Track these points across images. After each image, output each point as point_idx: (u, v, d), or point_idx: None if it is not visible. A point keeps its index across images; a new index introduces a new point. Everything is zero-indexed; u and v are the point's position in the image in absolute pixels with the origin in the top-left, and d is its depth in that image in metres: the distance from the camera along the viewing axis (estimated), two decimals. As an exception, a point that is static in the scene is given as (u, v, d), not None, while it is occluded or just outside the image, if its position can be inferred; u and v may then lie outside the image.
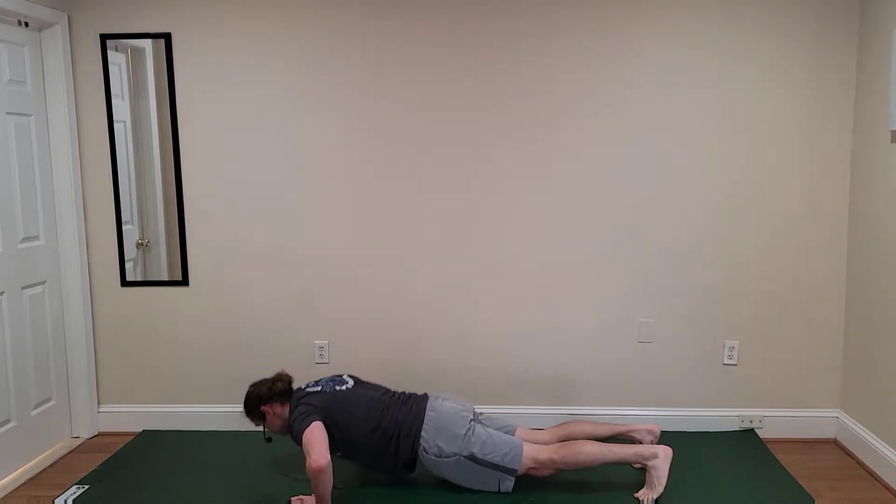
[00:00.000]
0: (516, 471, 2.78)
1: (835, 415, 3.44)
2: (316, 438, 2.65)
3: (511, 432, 2.91)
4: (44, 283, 3.33)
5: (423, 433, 2.78)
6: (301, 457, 2.74)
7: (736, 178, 3.34)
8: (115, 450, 3.36)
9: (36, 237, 3.28)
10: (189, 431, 3.54)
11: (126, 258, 3.51)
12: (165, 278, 3.52)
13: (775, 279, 3.39)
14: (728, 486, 2.95)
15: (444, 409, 2.83)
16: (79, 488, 2.98)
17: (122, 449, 3.37)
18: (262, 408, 2.87)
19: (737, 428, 3.48)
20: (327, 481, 2.63)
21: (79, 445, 3.46)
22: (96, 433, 3.58)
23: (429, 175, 3.40)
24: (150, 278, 3.53)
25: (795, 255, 3.37)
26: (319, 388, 2.87)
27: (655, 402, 3.50)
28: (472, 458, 2.76)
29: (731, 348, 3.45)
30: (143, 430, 3.56)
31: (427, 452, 2.78)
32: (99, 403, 3.60)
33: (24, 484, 3.07)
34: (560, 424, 3.08)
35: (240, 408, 3.55)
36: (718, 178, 3.35)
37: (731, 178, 3.34)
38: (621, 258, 3.41)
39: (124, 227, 3.49)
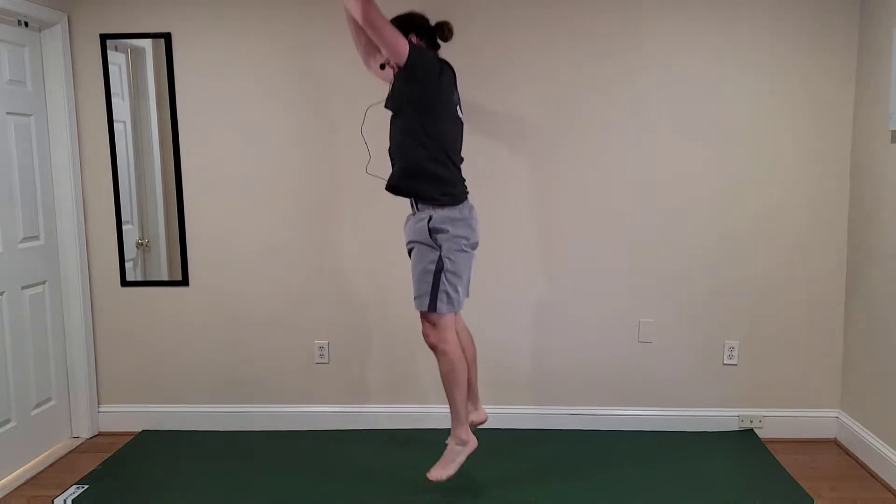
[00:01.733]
0: (435, 310, 2.66)
1: (835, 415, 3.44)
2: (394, 30, 2.47)
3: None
4: (44, 283, 3.33)
5: (447, 210, 2.63)
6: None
7: (736, 178, 3.34)
8: (115, 450, 3.35)
9: (36, 237, 3.28)
10: (189, 431, 3.54)
11: (126, 258, 3.51)
12: (165, 278, 3.52)
13: (775, 279, 3.39)
14: (728, 486, 2.95)
15: (474, 224, 2.73)
16: (78, 488, 2.98)
17: (122, 449, 3.37)
18: (411, 35, 2.63)
19: (737, 428, 3.48)
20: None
21: (79, 445, 3.46)
22: (96, 433, 3.58)
23: (429, 175, 3.40)
24: (150, 278, 3.53)
25: (795, 255, 3.37)
26: (455, 79, 2.75)
27: (655, 402, 3.50)
28: (437, 266, 2.63)
29: (731, 348, 3.44)
30: (143, 430, 3.56)
31: (427, 215, 2.63)
32: (99, 403, 3.60)
33: (24, 484, 3.07)
34: (464, 335, 2.93)
35: (240, 407, 3.56)
36: (718, 178, 3.34)
37: (732, 178, 3.34)
38: (621, 258, 3.41)
39: (124, 227, 3.49)
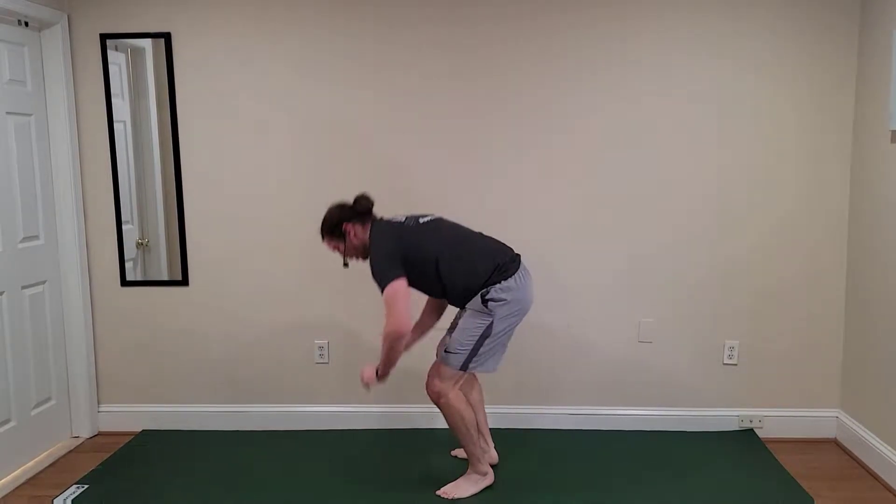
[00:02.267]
0: (465, 370, 2.71)
1: (835, 415, 3.44)
2: (400, 298, 2.57)
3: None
4: (44, 282, 3.33)
5: (503, 283, 2.67)
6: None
7: (736, 178, 3.34)
8: (115, 450, 3.35)
9: (36, 237, 3.28)
10: (189, 431, 3.54)
11: (126, 258, 3.51)
12: (165, 278, 3.52)
13: (775, 279, 3.39)
14: (728, 486, 2.95)
15: (531, 292, 2.78)
16: (78, 488, 2.98)
17: (122, 449, 3.37)
18: (344, 226, 2.76)
19: (736, 428, 3.48)
20: (401, 348, 2.62)
21: (79, 445, 3.46)
22: (96, 433, 3.58)
23: (429, 175, 3.40)
24: (150, 278, 3.53)
25: (795, 254, 3.37)
26: (404, 219, 2.79)
27: (655, 402, 3.50)
28: (485, 332, 2.67)
29: (731, 348, 3.45)
30: (143, 430, 3.56)
31: (487, 296, 2.66)
32: (99, 403, 3.60)
33: (24, 483, 3.07)
34: (471, 378, 3.01)
35: (240, 407, 3.57)
36: (719, 177, 3.34)
37: (732, 178, 3.34)
38: (621, 258, 3.41)
39: (124, 227, 3.49)
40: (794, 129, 3.30)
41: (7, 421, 3.11)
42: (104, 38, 3.36)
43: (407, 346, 2.86)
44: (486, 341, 2.68)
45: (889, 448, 3.00)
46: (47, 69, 3.30)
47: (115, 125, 3.42)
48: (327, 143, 3.40)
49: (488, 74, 3.32)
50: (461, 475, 2.89)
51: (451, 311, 3.00)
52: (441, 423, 3.44)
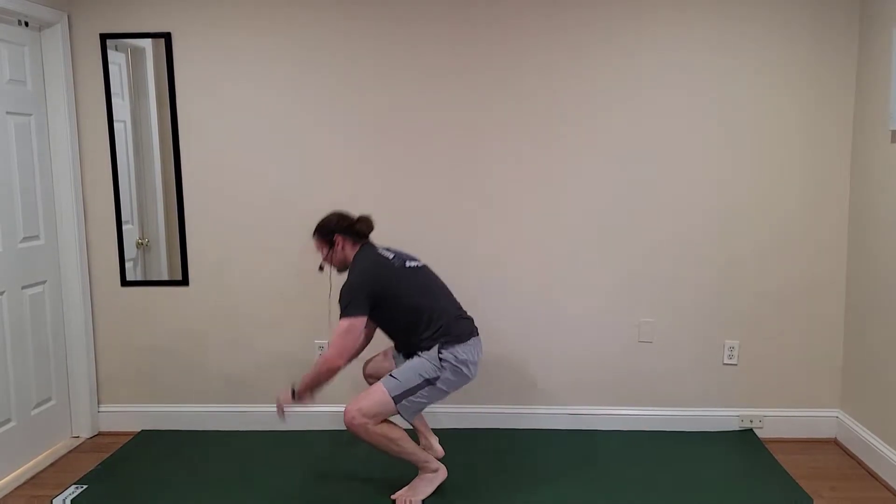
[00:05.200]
0: (394, 408, 2.68)
1: (835, 415, 3.44)
2: (350, 334, 2.62)
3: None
4: (44, 283, 3.33)
5: (458, 347, 2.72)
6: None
7: (736, 177, 3.34)
8: (114, 450, 3.35)
9: (36, 237, 3.28)
10: (189, 431, 3.54)
11: (126, 258, 3.51)
12: (165, 278, 3.52)
13: (775, 279, 3.39)
14: (727, 486, 2.95)
15: (479, 354, 2.82)
16: (77, 488, 2.98)
17: (121, 449, 3.37)
18: (336, 236, 2.81)
19: (737, 428, 3.48)
20: (326, 380, 2.69)
21: (79, 445, 3.46)
22: (96, 433, 3.58)
23: (428, 176, 3.40)
24: (150, 278, 3.53)
25: (795, 254, 3.37)
26: (392, 256, 2.81)
27: (655, 401, 3.50)
28: (429, 378, 2.68)
29: (731, 348, 3.45)
30: (143, 430, 3.56)
31: (442, 354, 2.70)
32: (99, 403, 3.60)
33: (24, 483, 3.06)
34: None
35: (240, 407, 3.57)
36: (719, 178, 3.35)
37: (732, 178, 3.34)
38: (621, 258, 3.41)
39: (124, 227, 3.49)
40: (794, 129, 3.30)
41: (7, 421, 3.11)
42: (104, 37, 3.36)
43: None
44: (426, 389, 2.69)
45: (889, 448, 2.99)
46: (47, 69, 3.30)
47: (115, 125, 3.42)
48: (328, 142, 3.40)
49: (488, 76, 3.32)
50: (415, 477, 2.85)
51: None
52: (440, 423, 3.45)
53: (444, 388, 2.73)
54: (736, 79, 3.28)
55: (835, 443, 3.41)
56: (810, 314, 3.41)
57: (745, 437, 3.41)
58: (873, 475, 3.06)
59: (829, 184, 3.33)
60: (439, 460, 2.92)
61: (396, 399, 2.66)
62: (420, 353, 2.74)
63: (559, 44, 3.29)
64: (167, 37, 3.35)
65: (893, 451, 2.97)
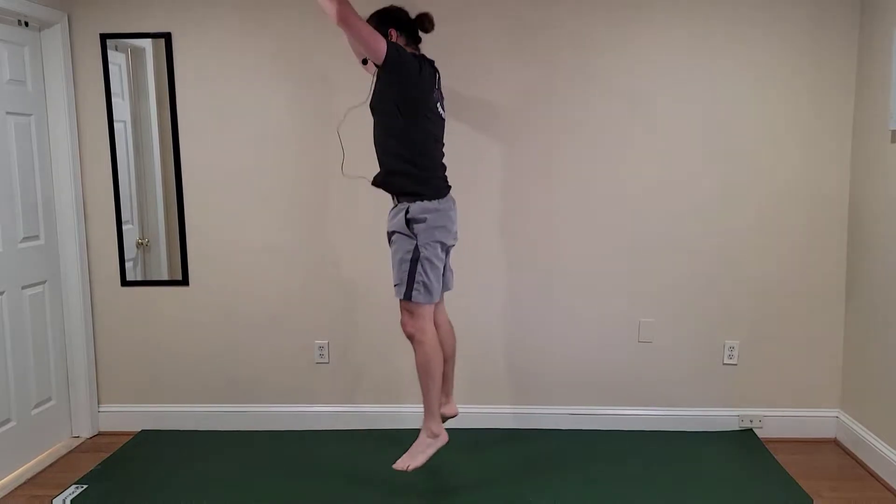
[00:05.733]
0: (411, 300, 2.68)
1: (835, 415, 3.44)
2: (371, 31, 2.49)
3: (444, 288, 2.85)
4: (44, 283, 3.33)
5: (424, 202, 2.67)
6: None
7: (736, 177, 3.34)
8: (114, 449, 3.35)
9: (36, 237, 3.28)
10: (189, 431, 3.54)
11: (126, 258, 3.51)
12: (165, 278, 3.52)
13: (776, 279, 3.39)
14: (727, 486, 2.95)
15: (452, 215, 2.76)
16: (77, 488, 2.98)
17: (122, 449, 3.37)
18: (391, 30, 2.65)
19: (737, 428, 3.48)
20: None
21: (79, 445, 3.46)
22: (96, 433, 3.58)
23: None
24: (150, 278, 3.53)
25: (796, 254, 3.37)
26: (437, 87, 2.74)
27: (655, 402, 3.50)
28: (413, 255, 2.66)
29: (731, 348, 3.44)
30: (143, 430, 3.56)
31: (406, 206, 2.67)
32: (99, 403, 3.60)
33: (24, 483, 3.06)
34: (446, 327, 2.96)
35: (240, 407, 3.57)
36: (719, 178, 3.35)
37: (731, 178, 3.34)
38: (621, 258, 3.41)
39: (124, 227, 3.49)
40: (794, 130, 3.30)
41: (7, 421, 3.11)
42: (104, 38, 3.36)
43: None
44: (418, 267, 2.67)
45: (889, 448, 2.99)
46: (47, 69, 3.30)
47: (115, 125, 3.42)
48: (328, 142, 3.40)
49: (488, 76, 3.32)
50: (413, 443, 2.81)
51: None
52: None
53: (430, 251, 2.67)
54: (735, 79, 3.28)
55: (835, 443, 3.41)
56: (810, 314, 3.41)
57: (745, 437, 3.41)
58: (873, 475, 3.06)
59: (829, 184, 3.33)
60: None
61: (407, 297, 2.67)
62: (394, 226, 2.71)
63: (558, 45, 3.29)
64: (167, 37, 3.35)
65: (893, 451, 2.97)
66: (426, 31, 2.75)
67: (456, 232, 2.81)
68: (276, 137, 3.41)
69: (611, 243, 3.41)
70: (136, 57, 3.39)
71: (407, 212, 2.68)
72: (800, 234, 3.36)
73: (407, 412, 3.52)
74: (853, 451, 3.26)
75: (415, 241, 2.68)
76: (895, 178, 2.95)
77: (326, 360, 3.54)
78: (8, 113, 3.08)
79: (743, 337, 3.44)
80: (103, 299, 3.54)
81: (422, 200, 2.68)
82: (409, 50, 2.69)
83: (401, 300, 2.72)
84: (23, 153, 3.17)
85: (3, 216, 3.06)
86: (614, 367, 3.49)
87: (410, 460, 2.76)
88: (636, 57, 3.29)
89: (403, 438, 3.41)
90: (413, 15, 2.74)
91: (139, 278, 3.53)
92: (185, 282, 3.51)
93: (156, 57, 3.37)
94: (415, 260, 2.68)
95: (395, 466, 2.75)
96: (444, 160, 2.84)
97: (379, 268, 3.45)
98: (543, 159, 3.37)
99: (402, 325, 2.77)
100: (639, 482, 2.97)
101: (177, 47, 3.36)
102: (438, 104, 2.77)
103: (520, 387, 3.53)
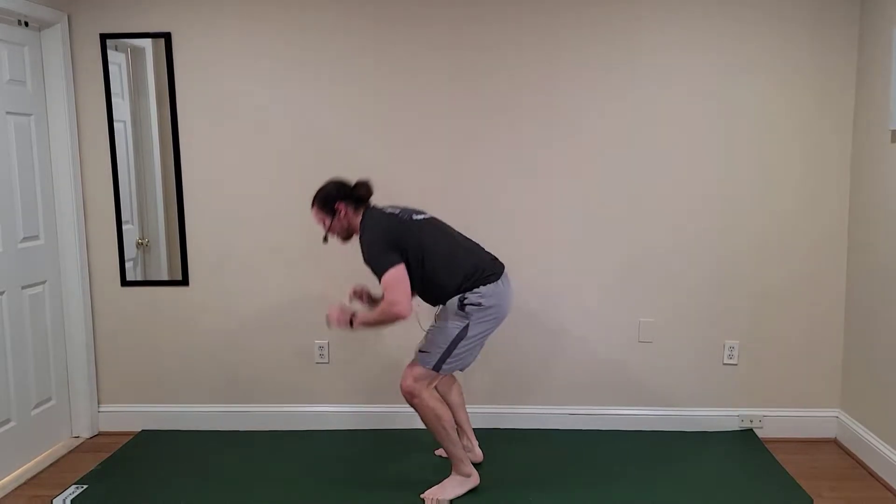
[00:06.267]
0: (438, 371, 2.71)
1: (835, 415, 3.44)
2: (401, 282, 2.58)
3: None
4: (44, 283, 3.33)
5: (482, 289, 2.69)
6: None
7: (736, 178, 3.34)
8: (114, 449, 3.35)
9: (36, 237, 3.28)
10: (189, 431, 3.54)
11: (126, 258, 3.51)
12: (165, 278, 3.52)
13: (775, 279, 3.39)
14: (727, 486, 2.95)
15: (508, 296, 2.79)
16: (77, 488, 2.98)
17: (122, 449, 3.37)
18: (337, 204, 2.76)
19: (737, 428, 3.48)
20: (387, 324, 2.64)
21: (79, 445, 3.46)
22: (96, 433, 3.58)
23: (429, 176, 3.40)
24: (150, 278, 3.53)
25: (795, 254, 3.37)
26: (398, 212, 2.77)
27: (655, 402, 3.50)
28: (460, 334, 2.68)
29: (731, 348, 3.45)
30: (143, 430, 3.56)
31: (466, 300, 2.68)
32: (99, 403, 3.60)
33: (24, 483, 3.06)
34: (449, 378, 3.04)
35: (240, 407, 3.57)
36: (719, 178, 3.35)
37: (732, 179, 3.34)
38: (621, 258, 3.41)
39: (124, 227, 3.49)
40: (793, 129, 3.30)
41: (7, 421, 3.11)
42: (104, 37, 3.36)
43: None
44: (461, 343, 2.70)
45: (889, 448, 3.00)
46: (47, 69, 3.30)
47: (115, 125, 3.42)
48: (328, 142, 3.40)
49: (487, 75, 3.32)
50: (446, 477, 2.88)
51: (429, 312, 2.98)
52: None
53: (479, 330, 2.70)
54: (735, 78, 3.28)
55: (835, 443, 3.41)
56: (810, 314, 3.41)
57: (745, 437, 3.41)
58: (873, 475, 3.06)
59: (829, 183, 3.33)
60: (477, 465, 2.95)
61: (436, 367, 2.69)
62: (446, 303, 2.73)
63: (557, 46, 3.29)
64: (167, 37, 3.35)
65: (893, 451, 2.97)
66: (364, 198, 2.79)
67: (507, 312, 2.79)
68: (275, 137, 3.40)
69: (611, 243, 3.41)
70: (136, 57, 3.39)
71: (463, 298, 2.69)
72: (800, 234, 3.36)
73: (407, 412, 3.51)
74: (853, 451, 3.26)
75: (467, 321, 2.69)
76: (895, 178, 2.95)
77: (326, 360, 3.54)
78: (8, 113, 3.08)
79: (743, 337, 3.44)
80: (103, 299, 3.54)
81: (477, 287, 2.69)
82: (357, 216, 2.77)
83: (415, 364, 2.72)
84: (23, 153, 3.17)
85: (3, 216, 3.06)
86: (614, 367, 3.49)
87: (441, 492, 2.80)
88: (635, 56, 3.28)
89: (404, 438, 3.43)
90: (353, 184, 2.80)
91: (139, 278, 3.52)
92: (185, 282, 3.51)
93: (156, 57, 3.37)
94: (460, 338, 2.69)
95: (423, 496, 2.80)
96: (477, 241, 2.84)
97: (379, 268, 3.45)
98: (542, 160, 3.37)
99: (402, 384, 2.75)
100: (639, 482, 2.97)
101: (177, 47, 3.36)
102: (415, 217, 2.77)
103: (519, 387, 3.53)
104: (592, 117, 3.33)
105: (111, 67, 3.38)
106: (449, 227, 2.85)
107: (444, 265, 2.70)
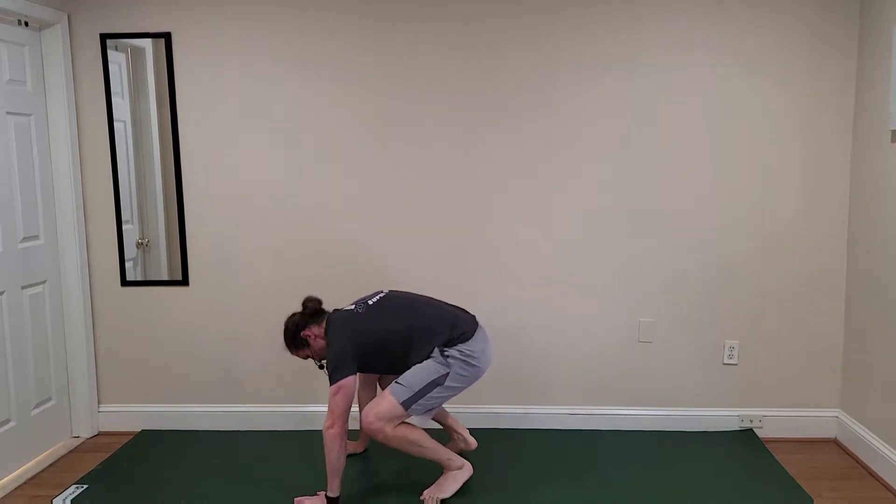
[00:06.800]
0: (406, 411, 2.68)
1: (835, 414, 3.44)
2: (339, 396, 2.59)
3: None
4: (44, 283, 3.33)
5: (463, 346, 2.72)
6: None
7: (736, 178, 3.34)
8: (114, 449, 3.35)
9: (36, 237, 3.28)
10: (189, 431, 3.54)
11: (126, 258, 3.51)
12: (165, 278, 3.52)
13: (775, 279, 3.39)
14: (727, 486, 2.95)
15: (486, 351, 2.82)
16: (77, 488, 2.98)
17: (122, 449, 3.37)
18: (303, 333, 2.80)
19: (737, 428, 3.48)
20: (336, 448, 2.61)
21: (79, 445, 3.46)
22: (96, 433, 3.58)
23: (429, 177, 3.40)
24: (150, 278, 3.53)
25: (795, 254, 3.37)
26: (353, 306, 2.81)
27: (655, 402, 3.50)
28: (438, 380, 2.68)
29: (731, 348, 3.45)
30: (143, 430, 3.56)
31: (446, 352, 2.71)
32: (99, 403, 3.60)
33: (24, 483, 3.07)
34: None
35: (240, 407, 3.57)
36: (719, 178, 3.35)
37: (732, 179, 3.34)
38: (621, 258, 3.41)
39: (124, 227, 3.49)
40: (794, 130, 3.31)
41: (7, 421, 3.11)
42: (104, 37, 3.36)
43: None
44: (437, 390, 2.69)
45: (889, 448, 3.00)
46: (47, 69, 3.30)
47: (115, 125, 3.42)
48: (327, 142, 3.40)
49: (488, 75, 3.32)
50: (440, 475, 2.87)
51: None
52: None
53: (456, 384, 2.72)
54: (735, 79, 3.28)
55: (835, 443, 3.41)
56: (810, 314, 3.41)
57: (745, 437, 3.41)
58: (873, 475, 3.06)
59: (828, 184, 3.33)
60: (471, 455, 2.94)
61: (405, 405, 2.66)
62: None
63: (559, 46, 3.29)
64: (167, 37, 3.35)
65: (893, 451, 2.97)
66: (318, 311, 2.83)
67: (487, 364, 2.81)
68: (276, 136, 3.40)
69: (611, 243, 3.41)
70: (136, 57, 3.39)
71: (443, 351, 2.71)
72: (800, 234, 3.36)
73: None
74: (853, 451, 3.26)
75: (448, 370, 2.70)
76: (895, 178, 2.95)
77: (326, 360, 3.54)
78: (8, 113, 3.08)
79: (743, 337, 3.44)
80: (103, 299, 3.54)
81: (457, 345, 2.72)
82: (321, 333, 2.79)
83: (387, 404, 2.65)
84: (23, 153, 3.17)
85: (3, 216, 3.06)
86: (614, 367, 3.49)
87: (437, 491, 2.80)
88: (636, 56, 3.28)
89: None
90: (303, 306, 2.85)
91: (139, 278, 3.53)
92: (185, 282, 3.51)
93: (156, 57, 3.37)
94: (437, 384, 2.69)
95: (422, 497, 2.79)
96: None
97: (379, 268, 3.46)
98: (543, 160, 3.37)
99: (364, 419, 2.66)
100: (639, 482, 2.97)
101: (177, 47, 3.36)
102: (365, 304, 2.80)
103: (519, 387, 3.53)
104: (592, 117, 3.33)
105: (111, 67, 3.38)
106: (408, 296, 2.88)
107: (416, 341, 2.72)
